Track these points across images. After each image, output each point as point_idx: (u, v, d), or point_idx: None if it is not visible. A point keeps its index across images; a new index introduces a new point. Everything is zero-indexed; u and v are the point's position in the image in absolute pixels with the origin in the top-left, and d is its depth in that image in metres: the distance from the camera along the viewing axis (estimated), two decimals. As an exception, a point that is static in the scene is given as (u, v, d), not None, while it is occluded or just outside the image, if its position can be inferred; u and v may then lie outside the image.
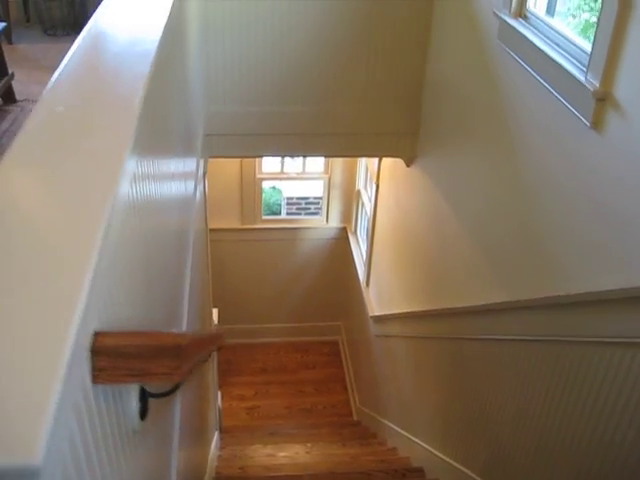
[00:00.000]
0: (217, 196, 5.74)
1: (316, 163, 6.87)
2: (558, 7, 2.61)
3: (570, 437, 2.25)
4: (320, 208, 7.28)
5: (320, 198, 7.22)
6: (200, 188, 3.29)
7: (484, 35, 2.92)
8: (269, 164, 6.88)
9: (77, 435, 0.71)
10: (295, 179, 7.10)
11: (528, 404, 2.58)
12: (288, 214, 8.24)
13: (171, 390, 1.10)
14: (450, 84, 3.50)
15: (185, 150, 2.49)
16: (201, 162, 3.40)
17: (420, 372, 4.28)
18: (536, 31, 2.46)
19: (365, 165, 6.23)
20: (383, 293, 5.39)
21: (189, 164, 2.68)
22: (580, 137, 2.09)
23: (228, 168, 6.32)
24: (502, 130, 2.78)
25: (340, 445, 5.35)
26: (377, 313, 5.44)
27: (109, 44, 1.36)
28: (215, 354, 4.45)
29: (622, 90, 1.88)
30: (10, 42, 5.04)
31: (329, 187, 6.82)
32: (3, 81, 3.94)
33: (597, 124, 1.99)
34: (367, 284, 5.95)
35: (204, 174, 3.69)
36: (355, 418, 6.55)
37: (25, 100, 4.09)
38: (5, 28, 4.19)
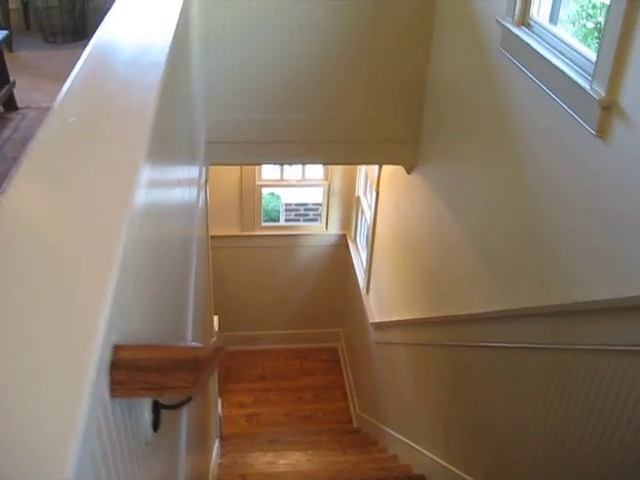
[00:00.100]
0: (217, 203, 5.74)
1: (316, 170, 6.87)
2: (561, 15, 2.62)
3: (572, 443, 2.24)
4: (319, 214, 7.28)
5: (319, 204, 7.21)
6: (202, 195, 3.29)
7: (486, 43, 2.93)
8: (269, 171, 6.88)
9: (97, 449, 0.71)
10: (295, 186, 7.10)
11: (530, 411, 2.58)
12: (287, 220, 8.24)
13: (184, 401, 1.09)
14: (452, 91, 3.51)
15: (189, 158, 2.49)
16: (203, 169, 3.40)
17: (421, 379, 4.27)
18: (539, 39, 2.47)
19: (365, 172, 6.24)
20: (383, 300, 5.39)
21: (192, 171, 2.68)
22: (585, 145, 2.09)
23: (228, 175, 6.32)
24: (504, 137, 2.79)
25: (341, 452, 5.33)
26: (377, 320, 5.43)
27: (118, 53, 1.36)
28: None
29: (627, 98, 1.88)
30: (11, 49, 5.05)
31: (329, 194, 6.82)
32: (4, 89, 3.93)
33: (602, 132, 1.99)
34: (367, 291, 5.94)
35: (206, 181, 3.69)
36: (355, 425, 6.53)
37: (26, 108, 4.09)
38: (7, 36, 4.19)
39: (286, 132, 3.96)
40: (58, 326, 0.63)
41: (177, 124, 1.83)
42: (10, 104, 4.05)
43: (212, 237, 4.57)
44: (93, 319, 0.64)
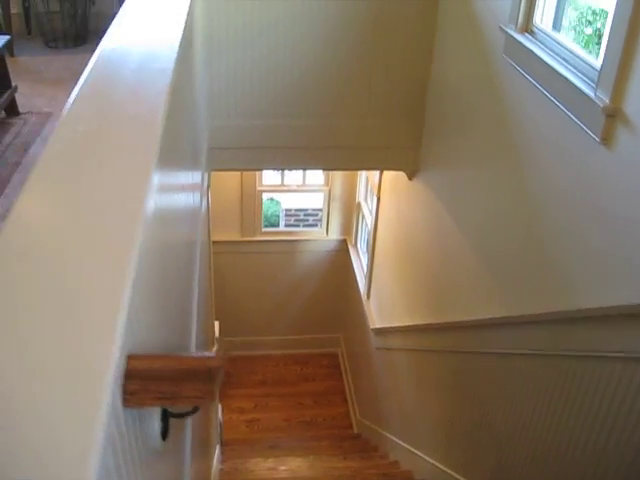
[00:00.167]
0: (217, 208, 5.74)
1: (316, 175, 6.87)
2: (564, 22, 2.62)
3: (576, 450, 2.24)
4: (319, 219, 7.28)
5: (319, 210, 7.22)
6: (204, 201, 3.29)
7: (489, 49, 2.93)
8: (269, 176, 6.88)
9: (110, 460, 0.70)
10: (296, 191, 7.10)
11: (532, 417, 2.57)
12: (286, 226, 8.23)
13: (192, 410, 1.09)
14: (454, 97, 3.51)
15: (192, 163, 2.49)
16: (205, 175, 3.40)
17: (422, 385, 4.27)
18: (543, 46, 2.47)
19: (366, 178, 6.24)
20: (384, 306, 5.38)
21: (195, 177, 2.69)
22: (589, 152, 2.10)
23: (229, 180, 6.33)
24: (507, 144, 2.79)
25: (341, 458, 5.32)
26: (378, 326, 5.42)
27: (126, 60, 1.36)
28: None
29: (632, 106, 1.89)
30: (12, 54, 5.05)
31: (329, 199, 6.82)
32: (6, 94, 3.94)
33: (607, 140, 1.99)
34: (368, 296, 5.94)
35: (208, 187, 3.69)
36: (355, 431, 6.52)
37: (28, 113, 4.09)
38: (8, 41, 4.19)
39: (288, 138, 3.96)
40: (74, 337, 0.63)
41: (182, 130, 1.83)
42: (12, 109, 4.05)
43: (213, 242, 4.57)
44: (110, 329, 0.64)
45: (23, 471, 0.51)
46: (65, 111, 1.10)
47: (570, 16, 2.64)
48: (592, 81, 2.10)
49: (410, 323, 4.43)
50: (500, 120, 2.84)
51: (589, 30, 2.76)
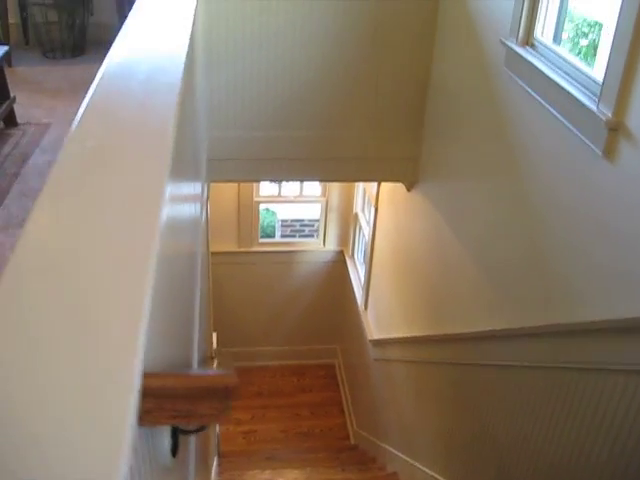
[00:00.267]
0: (214, 219, 5.73)
1: (313, 186, 6.88)
2: (564, 35, 2.64)
3: (578, 462, 2.23)
4: (315, 230, 7.28)
5: (315, 220, 7.22)
6: (204, 212, 3.29)
7: (490, 62, 2.94)
8: (266, 187, 6.88)
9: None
10: (293, 202, 7.10)
11: (532, 429, 2.57)
12: (282, 236, 8.23)
13: (202, 426, 1.08)
14: (453, 109, 3.52)
15: (194, 175, 2.49)
16: (205, 186, 3.40)
17: (421, 396, 4.26)
18: (544, 59, 2.48)
19: (363, 188, 6.24)
20: (382, 317, 5.38)
21: (197, 188, 2.68)
22: (591, 165, 2.10)
23: (226, 191, 6.32)
24: (507, 156, 2.79)
25: (339, 470, 5.31)
26: (376, 337, 5.42)
27: (133, 73, 1.36)
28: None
29: (635, 120, 1.89)
30: (10, 65, 5.04)
31: (326, 210, 6.82)
32: (5, 105, 3.93)
33: (609, 153, 2.00)
34: (365, 307, 5.93)
35: (207, 198, 3.69)
36: (352, 442, 6.50)
37: (26, 123, 4.08)
38: (7, 52, 4.19)
39: (287, 149, 3.97)
40: (95, 353, 0.62)
41: (186, 143, 1.83)
42: (10, 120, 4.04)
43: (210, 253, 4.56)
44: (130, 348, 0.63)
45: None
46: (73, 126, 1.09)
47: (568, 29, 2.66)
48: (594, 94, 2.11)
49: (408, 334, 4.43)
50: (500, 132, 2.85)
51: (585, 42, 2.78)
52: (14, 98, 4.08)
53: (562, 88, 2.25)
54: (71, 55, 5.47)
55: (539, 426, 2.51)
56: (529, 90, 2.52)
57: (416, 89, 3.88)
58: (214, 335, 4.81)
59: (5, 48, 4.18)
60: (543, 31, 2.59)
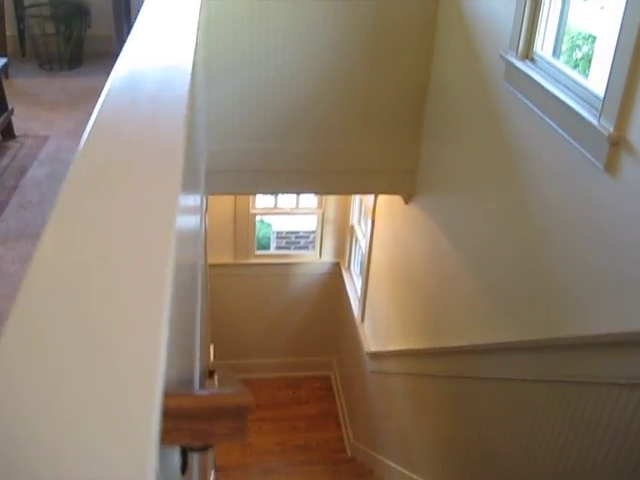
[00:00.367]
0: (211, 231, 5.72)
1: (309, 198, 6.88)
2: (563, 49, 2.66)
3: (579, 477, 2.23)
4: (310, 242, 7.27)
5: (310, 232, 7.22)
6: (203, 225, 3.28)
7: (489, 76, 2.95)
8: (263, 199, 6.88)
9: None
10: (289, 214, 7.11)
11: (534, 442, 2.56)
12: (277, 248, 8.23)
13: (210, 444, 1.07)
14: (452, 122, 3.53)
15: (194, 186, 2.48)
16: (204, 199, 3.39)
17: (419, 408, 4.24)
18: (544, 73, 2.49)
19: (359, 200, 6.25)
20: (379, 329, 5.37)
21: (197, 201, 2.68)
22: (592, 179, 2.11)
23: (222, 203, 6.32)
24: (507, 169, 2.80)
25: (336, 483, 5.28)
26: (373, 349, 5.41)
27: (140, 88, 1.36)
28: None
29: (636, 134, 1.90)
30: (7, 76, 5.04)
31: (322, 222, 6.82)
32: (3, 117, 3.92)
33: (611, 167, 2.01)
34: (362, 320, 5.93)
35: (206, 211, 3.68)
36: (349, 454, 6.48)
37: (24, 136, 4.07)
38: (5, 64, 4.18)
39: (285, 162, 3.97)
40: (116, 376, 0.62)
41: (190, 155, 1.83)
42: (8, 132, 4.04)
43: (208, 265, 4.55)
44: (153, 367, 0.63)
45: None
46: (82, 142, 1.09)
47: (566, 42, 2.68)
48: (595, 108, 2.12)
49: (406, 347, 4.42)
50: (499, 145, 2.86)
51: (579, 54, 2.81)
52: (12, 110, 4.07)
53: (562, 102, 2.26)
54: (68, 67, 5.48)
55: (540, 438, 2.51)
56: (529, 104, 2.53)
57: (414, 102, 3.89)
58: (211, 347, 4.79)
59: (4, 60, 4.18)
60: (543, 45, 2.61)
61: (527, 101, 2.54)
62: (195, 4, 2.20)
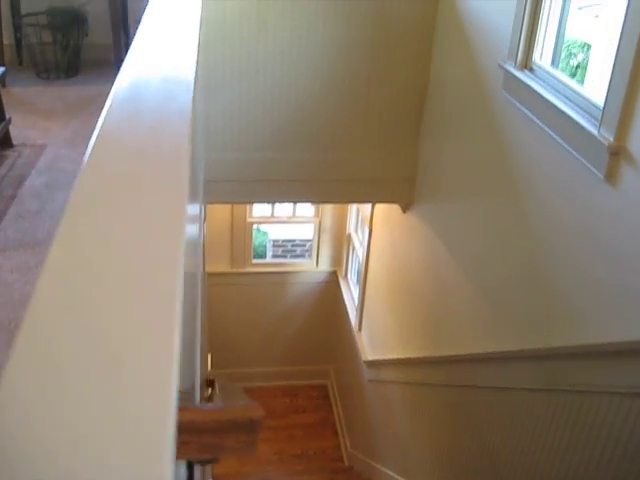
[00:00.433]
0: (208, 240, 5.71)
1: (306, 207, 6.89)
2: (561, 58, 2.67)
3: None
4: (307, 250, 7.27)
5: (307, 240, 7.21)
6: (202, 233, 3.28)
7: (488, 85, 2.96)
8: (259, 207, 6.88)
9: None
10: (286, 223, 7.11)
11: (534, 450, 2.56)
12: (274, 256, 8.22)
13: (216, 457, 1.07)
14: (450, 132, 3.54)
15: (195, 196, 2.48)
16: (203, 208, 3.39)
17: (418, 417, 4.24)
18: (543, 83, 2.50)
19: (356, 209, 6.25)
20: (377, 338, 5.36)
21: (196, 209, 2.68)
22: (592, 188, 2.12)
23: (219, 212, 6.32)
24: (505, 178, 2.81)
25: (334, 492, 5.26)
26: (370, 357, 5.40)
27: (143, 99, 1.36)
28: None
29: (636, 144, 1.91)
30: (4, 85, 5.03)
31: (319, 231, 6.82)
32: (1, 126, 3.91)
33: (611, 177, 2.02)
34: (359, 328, 5.92)
35: (204, 220, 3.68)
36: (346, 463, 6.45)
37: (21, 145, 4.06)
38: (2, 73, 4.18)
39: (283, 171, 3.98)
40: (130, 391, 0.61)
41: (193, 166, 1.83)
42: (6, 141, 4.02)
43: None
44: (167, 380, 0.62)
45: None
46: (87, 154, 1.08)
47: (563, 51, 2.69)
48: (594, 118, 2.13)
49: (403, 356, 4.42)
50: (498, 154, 2.87)
51: (574, 62, 2.83)
52: (10, 119, 4.06)
53: (562, 112, 2.27)
54: (65, 76, 5.47)
55: (540, 448, 2.50)
56: (528, 113, 2.54)
57: (413, 112, 3.90)
58: (209, 357, 4.78)
59: (1, 69, 4.17)
60: (542, 55, 2.62)
61: (526, 111, 2.55)
62: (196, 14, 2.20)
